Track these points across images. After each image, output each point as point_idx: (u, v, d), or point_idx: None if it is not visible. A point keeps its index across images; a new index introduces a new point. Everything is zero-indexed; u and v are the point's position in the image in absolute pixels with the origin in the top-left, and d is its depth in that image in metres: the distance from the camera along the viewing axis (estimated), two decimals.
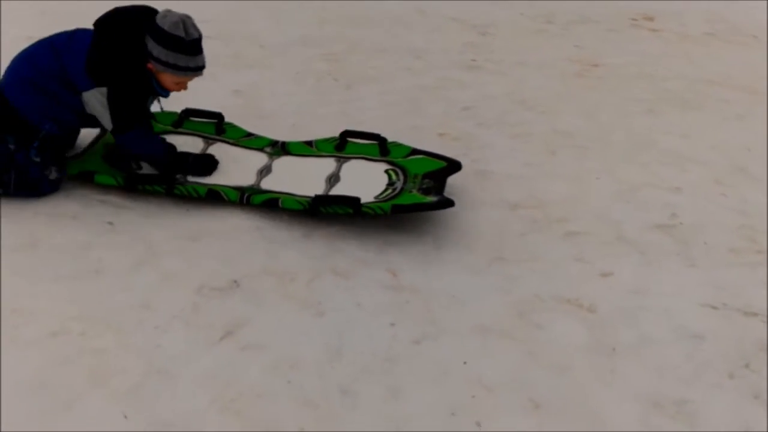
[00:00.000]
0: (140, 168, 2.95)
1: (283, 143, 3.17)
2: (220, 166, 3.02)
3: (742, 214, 2.97)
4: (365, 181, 2.93)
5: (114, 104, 2.69)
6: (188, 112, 3.27)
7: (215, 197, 2.83)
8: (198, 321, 2.35)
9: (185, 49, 2.65)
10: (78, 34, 2.75)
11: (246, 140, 3.20)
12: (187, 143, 3.13)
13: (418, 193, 2.82)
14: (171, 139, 3.11)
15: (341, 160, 3.07)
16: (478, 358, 2.26)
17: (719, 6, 4.95)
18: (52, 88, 2.71)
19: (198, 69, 2.73)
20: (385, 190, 2.90)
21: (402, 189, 2.88)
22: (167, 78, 2.73)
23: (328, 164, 3.05)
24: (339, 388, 2.14)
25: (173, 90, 2.81)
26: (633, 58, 4.27)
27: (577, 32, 4.56)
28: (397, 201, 2.80)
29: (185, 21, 2.66)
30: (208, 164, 2.98)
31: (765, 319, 2.45)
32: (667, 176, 3.21)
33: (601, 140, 3.46)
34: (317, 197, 2.78)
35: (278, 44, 4.15)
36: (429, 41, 4.25)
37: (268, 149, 3.15)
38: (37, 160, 2.74)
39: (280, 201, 2.80)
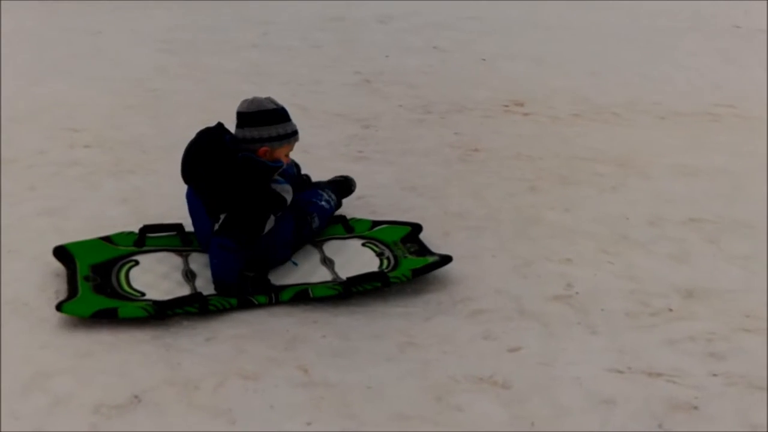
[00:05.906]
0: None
1: None
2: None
3: (631, 280, 3.11)
4: (355, 257, 3.07)
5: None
6: (146, 229, 3.09)
7: (246, 304, 2.77)
8: None
9: (279, 118, 2.88)
10: None
11: None
12: (162, 261, 2.98)
13: (416, 257, 3.02)
14: (143, 259, 2.96)
15: (318, 243, 3.14)
16: None
17: (581, 88, 5.34)
18: None
19: (296, 133, 2.95)
20: (382, 262, 3.03)
21: (396, 256, 3.06)
22: (280, 153, 2.91)
23: (311, 250, 3.10)
24: None
25: (286, 162, 2.96)
26: (510, 140, 4.48)
27: (455, 120, 4.76)
28: (411, 266, 2.95)
29: (264, 98, 2.89)
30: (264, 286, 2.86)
31: (669, 379, 2.53)
32: (558, 249, 3.33)
33: (491, 219, 3.57)
34: (350, 279, 2.86)
35: (160, 147, 4.07)
36: (315, 136, 4.29)
37: None
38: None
39: (310, 291, 2.82)
